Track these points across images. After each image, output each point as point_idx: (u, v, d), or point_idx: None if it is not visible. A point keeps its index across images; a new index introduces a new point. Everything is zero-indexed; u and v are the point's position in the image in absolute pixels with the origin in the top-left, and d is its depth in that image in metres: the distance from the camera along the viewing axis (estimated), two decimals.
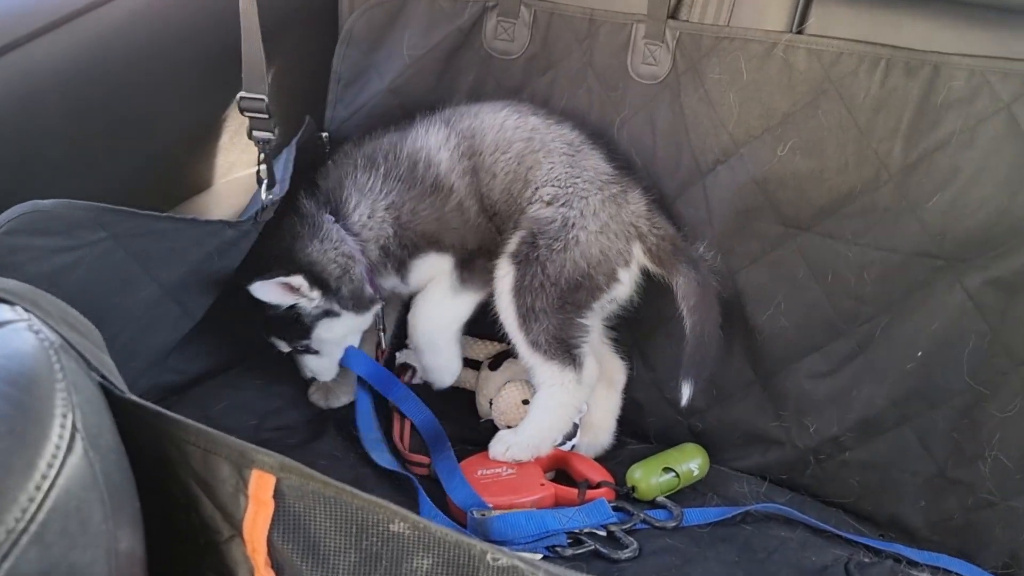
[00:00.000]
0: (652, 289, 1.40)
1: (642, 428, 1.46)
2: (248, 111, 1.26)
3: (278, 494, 0.61)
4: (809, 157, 1.25)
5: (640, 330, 1.43)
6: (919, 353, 1.23)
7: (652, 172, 1.37)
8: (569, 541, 1.18)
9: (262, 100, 1.24)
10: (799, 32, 1.26)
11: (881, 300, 1.25)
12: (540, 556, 1.16)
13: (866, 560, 1.21)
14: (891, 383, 1.25)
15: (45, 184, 1.17)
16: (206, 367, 1.44)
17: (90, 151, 1.35)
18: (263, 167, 1.30)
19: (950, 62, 1.16)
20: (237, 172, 1.62)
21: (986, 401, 1.19)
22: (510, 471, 1.27)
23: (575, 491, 1.26)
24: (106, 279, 1.13)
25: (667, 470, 1.31)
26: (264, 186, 1.28)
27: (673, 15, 1.33)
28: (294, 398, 1.43)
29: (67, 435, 0.49)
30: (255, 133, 1.28)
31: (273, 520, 0.62)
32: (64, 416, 0.49)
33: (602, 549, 1.18)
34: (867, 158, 1.21)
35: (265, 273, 1.24)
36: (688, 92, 1.32)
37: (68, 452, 0.48)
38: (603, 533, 1.21)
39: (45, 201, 1.05)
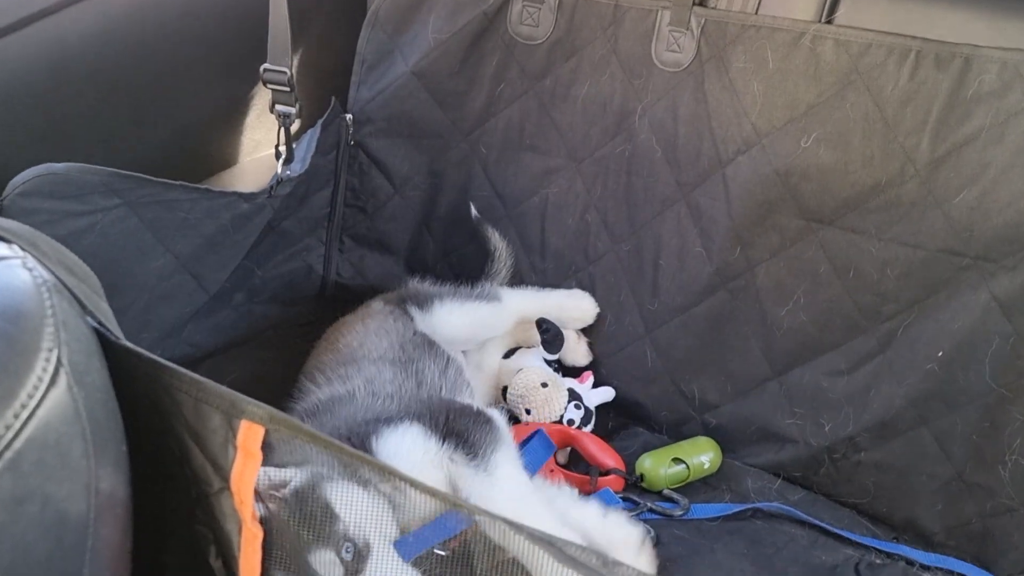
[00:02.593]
0: (666, 280, 1.39)
1: (656, 421, 1.44)
2: (271, 83, 1.27)
3: (267, 446, 0.60)
4: (833, 150, 1.22)
5: (653, 321, 1.41)
6: (940, 353, 1.19)
7: (672, 161, 1.36)
8: None
9: (284, 73, 1.25)
10: (828, 22, 1.23)
11: (904, 298, 1.22)
12: None
13: (877, 562, 1.19)
14: (910, 383, 1.22)
15: (70, 155, 1.18)
16: (221, 341, 1.45)
17: (116, 124, 1.36)
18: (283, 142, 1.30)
19: (982, 55, 1.13)
20: (262, 151, 1.63)
21: (1008, 404, 1.15)
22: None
23: (582, 477, 1.25)
24: (120, 246, 1.15)
25: (677, 461, 1.29)
26: (281, 160, 1.29)
27: (701, 2, 1.32)
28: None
29: (51, 368, 0.49)
30: (277, 107, 1.28)
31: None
32: (50, 350, 0.49)
33: None
34: (893, 152, 1.19)
35: None
36: (712, 80, 1.30)
37: (51, 385, 0.48)
38: None
39: (59, 164, 1.07)
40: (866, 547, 1.21)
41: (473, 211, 1.53)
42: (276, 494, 0.69)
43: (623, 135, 1.41)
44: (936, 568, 1.18)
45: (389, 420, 1.01)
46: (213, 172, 1.57)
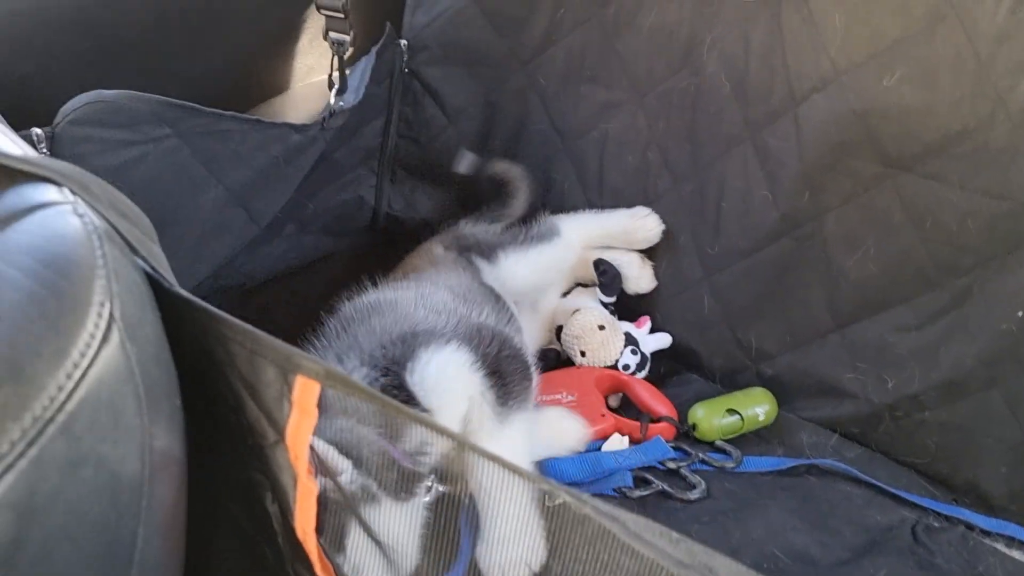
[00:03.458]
0: (728, 224, 1.33)
1: (710, 369, 1.41)
2: (324, 8, 1.22)
3: (323, 403, 0.58)
4: (918, 89, 1.14)
5: (713, 265, 1.36)
6: (1019, 313, 1.13)
7: (741, 97, 1.28)
8: (636, 481, 1.16)
9: None
10: None
11: (984, 252, 1.15)
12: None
13: (935, 524, 1.15)
14: (983, 342, 1.16)
15: (121, 79, 1.15)
16: (272, 272, 1.44)
17: (167, 48, 1.32)
18: (336, 71, 1.26)
19: None
20: (315, 76, 1.58)
21: None
22: (570, 397, 1.24)
23: (632, 423, 1.23)
24: (171, 178, 1.12)
25: (731, 412, 1.26)
26: (335, 91, 1.25)
27: None
28: None
29: (103, 324, 0.46)
30: (331, 34, 1.24)
31: (317, 429, 0.59)
32: (102, 304, 0.47)
33: (669, 489, 1.15)
34: (984, 94, 1.10)
35: None
36: (789, 10, 1.21)
37: (104, 342, 0.46)
38: (662, 468, 1.19)
39: (109, 91, 1.04)
40: (924, 509, 1.17)
41: (463, 160, 1.47)
42: (328, 472, 0.67)
43: (689, 68, 1.33)
44: (997, 534, 1.14)
45: (441, 335, 0.98)
46: (264, 98, 1.54)
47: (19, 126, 1.01)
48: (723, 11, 1.28)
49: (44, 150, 1.00)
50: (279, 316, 1.37)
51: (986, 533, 1.14)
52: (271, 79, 1.53)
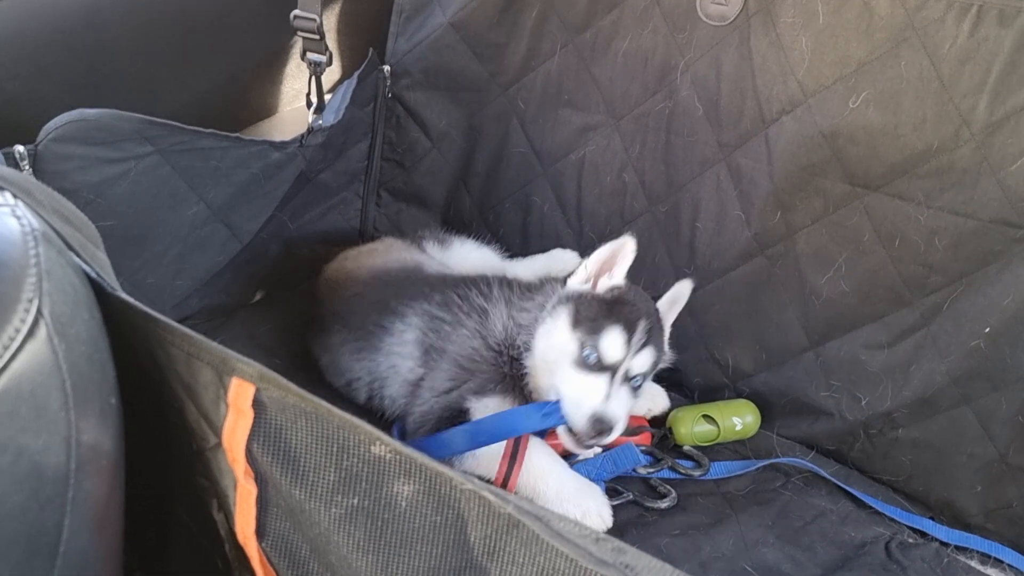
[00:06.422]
0: (703, 244, 1.34)
1: (689, 387, 1.42)
2: (301, 31, 1.25)
3: (258, 404, 0.60)
4: (884, 111, 1.16)
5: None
6: (987, 329, 1.14)
7: (714, 120, 1.30)
8: (608, 491, 1.17)
9: (314, 20, 1.23)
10: None
11: (952, 270, 1.16)
12: None
13: (909, 541, 1.15)
14: (953, 360, 1.17)
15: (109, 102, 1.19)
16: (256, 291, 1.46)
17: (156, 70, 1.36)
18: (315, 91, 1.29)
19: None
20: (303, 100, 1.61)
21: None
22: None
23: None
24: (153, 193, 1.15)
25: (708, 419, 1.27)
26: (312, 110, 1.28)
27: None
28: None
29: (30, 320, 0.48)
30: (308, 55, 1.27)
31: (252, 430, 0.61)
32: (29, 302, 0.49)
33: (639, 499, 1.17)
34: (947, 114, 1.12)
35: None
36: (758, 35, 1.24)
37: (28, 337, 0.48)
38: (635, 475, 1.21)
39: (91, 110, 1.07)
40: (899, 525, 1.17)
41: None
42: None
43: (664, 92, 1.36)
44: (972, 551, 1.14)
45: None
46: (254, 121, 1.57)
47: (6, 144, 1.05)
48: (695, 36, 1.30)
49: (27, 167, 1.03)
50: (260, 334, 1.38)
51: (961, 550, 1.14)
52: (260, 103, 1.56)
